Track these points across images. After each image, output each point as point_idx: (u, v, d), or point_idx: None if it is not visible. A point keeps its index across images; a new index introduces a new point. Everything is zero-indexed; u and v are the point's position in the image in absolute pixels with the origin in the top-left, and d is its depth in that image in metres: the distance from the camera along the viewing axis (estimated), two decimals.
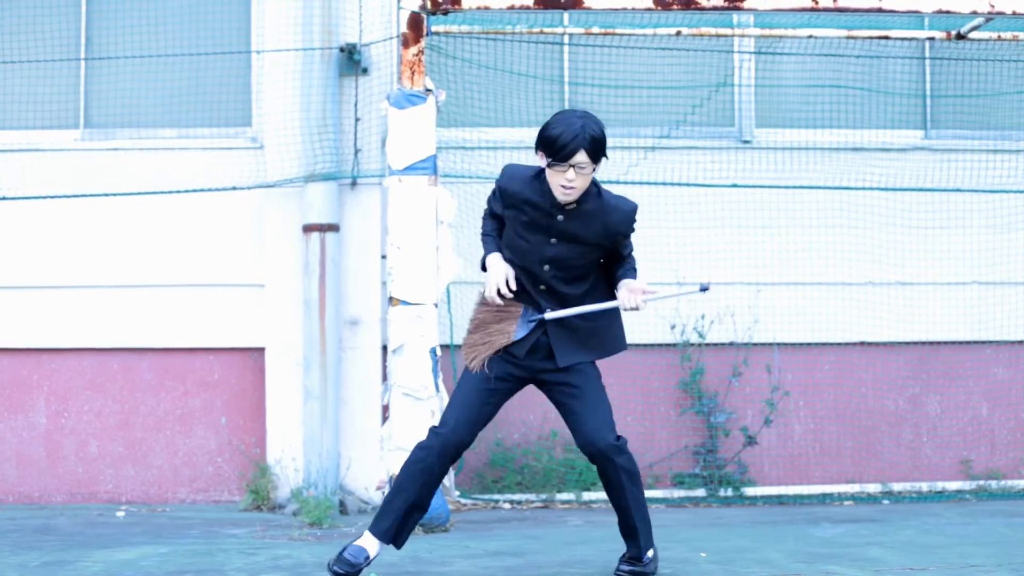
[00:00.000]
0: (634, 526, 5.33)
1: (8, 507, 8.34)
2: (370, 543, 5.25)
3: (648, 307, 8.57)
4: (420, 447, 5.27)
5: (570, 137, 4.88)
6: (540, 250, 5.13)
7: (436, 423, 5.38)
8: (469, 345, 5.29)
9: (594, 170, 5.00)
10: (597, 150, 4.94)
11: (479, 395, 5.25)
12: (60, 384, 8.56)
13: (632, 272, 5.26)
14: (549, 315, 5.17)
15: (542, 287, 5.19)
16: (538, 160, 5.08)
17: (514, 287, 5.14)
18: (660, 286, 8.57)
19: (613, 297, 5.25)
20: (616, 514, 5.40)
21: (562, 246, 5.13)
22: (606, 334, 5.31)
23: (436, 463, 5.23)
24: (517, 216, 5.15)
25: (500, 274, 5.14)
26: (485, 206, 5.38)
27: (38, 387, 8.56)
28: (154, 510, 8.25)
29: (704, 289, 5.11)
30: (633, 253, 5.33)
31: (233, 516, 7.93)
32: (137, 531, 7.21)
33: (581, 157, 4.91)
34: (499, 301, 5.16)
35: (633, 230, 5.22)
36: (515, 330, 5.21)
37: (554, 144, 4.90)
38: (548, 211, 5.10)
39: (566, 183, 4.96)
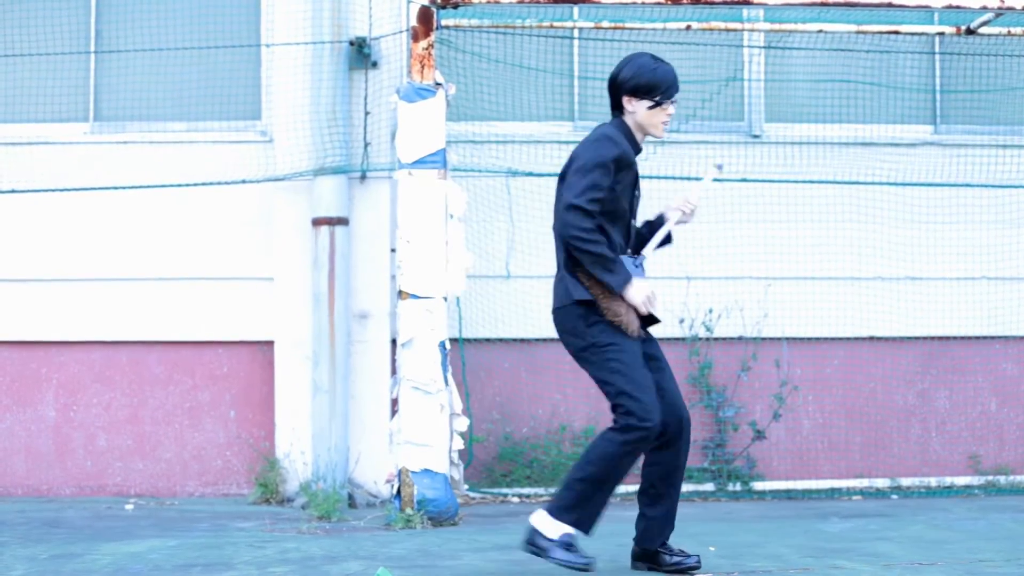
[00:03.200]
0: (675, 509, 5.28)
1: (17, 500, 8.36)
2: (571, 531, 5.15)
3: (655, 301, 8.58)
4: (631, 442, 4.96)
5: (673, 76, 5.20)
6: (634, 205, 5.23)
7: (634, 412, 4.94)
8: (616, 314, 5.01)
9: None
10: None
11: (646, 368, 5.11)
12: (69, 377, 8.57)
13: None
14: (646, 250, 5.27)
15: (631, 240, 5.27)
16: (629, 108, 5.17)
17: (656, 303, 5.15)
18: (668, 280, 8.64)
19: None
20: (659, 502, 5.23)
21: (638, 193, 5.27)
22: None
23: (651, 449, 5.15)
24: (623, 179, 5.14)
25: (646, 293, 5.05)
26: (584, 209, 4.99)
27: (47, 380, 8.58)
28: (163, 503, 8.26)
29: (719, 167, 5.60)
30: None
31: (242, 509, 7.94)
32: (146, 524, 7.22)
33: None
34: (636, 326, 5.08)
35: None
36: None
37: (661, 85, 5.17)
38: (635, 161, 5.24)
39: (666, 118, 5.24)
